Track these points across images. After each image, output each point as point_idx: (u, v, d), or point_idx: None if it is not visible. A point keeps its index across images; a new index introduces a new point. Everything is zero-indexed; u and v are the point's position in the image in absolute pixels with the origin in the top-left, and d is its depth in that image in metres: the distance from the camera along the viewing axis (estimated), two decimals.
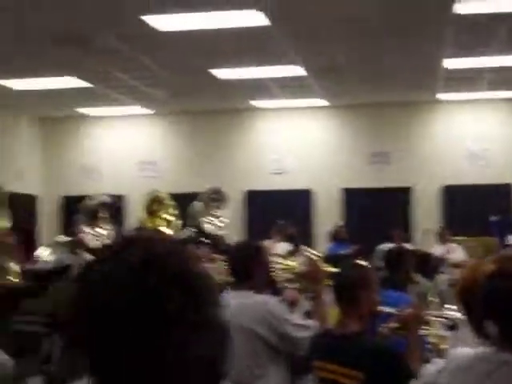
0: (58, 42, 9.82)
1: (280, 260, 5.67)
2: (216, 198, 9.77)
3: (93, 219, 9.10)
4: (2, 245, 7.67)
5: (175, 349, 1.28)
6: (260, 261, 4.48)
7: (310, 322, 4.37)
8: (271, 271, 4.81)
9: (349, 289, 3.90)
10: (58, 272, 8.31)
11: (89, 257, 10.11)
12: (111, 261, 1.34)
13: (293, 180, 15.41)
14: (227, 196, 10.03)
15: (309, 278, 4.68)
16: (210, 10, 8.78)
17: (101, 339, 1.29)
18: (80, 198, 14.16)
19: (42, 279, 8.08)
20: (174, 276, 1.31)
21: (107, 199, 9.41)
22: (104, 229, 9.19)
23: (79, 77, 12.16)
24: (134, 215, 9.83)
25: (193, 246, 7.38)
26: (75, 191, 15.81)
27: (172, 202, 9.93)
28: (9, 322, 6.93)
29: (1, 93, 13.26)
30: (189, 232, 9.39)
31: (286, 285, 5.29)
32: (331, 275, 4.42)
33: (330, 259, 6.64)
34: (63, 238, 10.59)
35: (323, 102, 14.94)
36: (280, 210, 14.11)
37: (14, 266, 7.71)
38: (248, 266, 4.41)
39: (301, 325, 4.29)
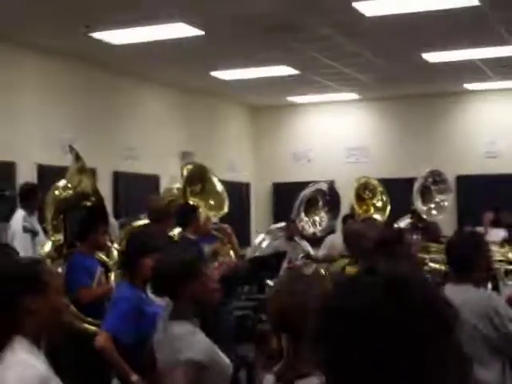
0: (271, 30, 9.99)
1: (496, 249, 5.46)
2: (436, 182, 9.56)
3: (309, 206, 9.19)
4: (219, 231, 7.93)
5: (419, 375, 1.27)
6: (482, 252, 4.29)
7: None
8: (491, 263, 4.62)
9: None
10: (274, 258, 8.48)
11: (305, 244, 10.27)
12: (361, 281, 1.36)
13: (507, 163, 14.83)
14: (448, 179, 9.78)
15: None
16: None
17: (345, 350, 1.30)
18: (290, 185, 14.51)
19: (257, 266, 8.27)
20: (424, 303, 1.30)
21: (324, 186, 9.46)
22: (319, 216, 9.26)
23: (289, 65, 12.34)
24: (343, 201, 9.82)
25: (407, 233, 7.27)
26: (285, 178, 16.13)
27: (381, 188, 9.86)
28: (227, 309, 7.13)
29: (213, 83, 13.72)
30: (405, 218, 9.30)
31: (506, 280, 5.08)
32: None
33: None
34: (279, 225, 10.80)
35: None
36: (493, 195, 13.65)
37: (230, 253, 7.94)
38: (469, 258, 4.21)
39: None
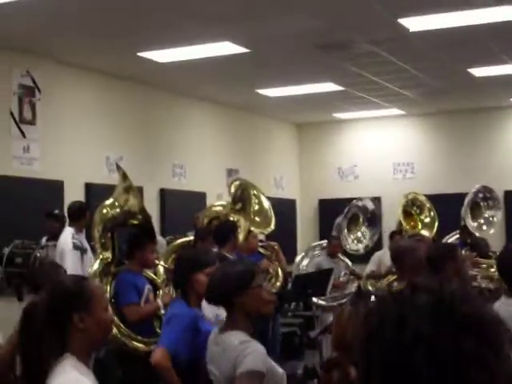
0: (316, 48, 10.02)
1: None
2: (486, 197, 9.50)
3: (352, 223, 9.17)
4: (266, 249, 7.94)
5: None
6: None
7: None
8: None
9: None
10: (321, 276, 8.46)
11: (347, 261, 10.22)
12: (401, 304, 1.34)
13: None
14: (498, 195, 9.71)
15: None
16: (462, 9, 8.58)
17: (390, 375, 1.29)
18: (336, 201, 14.46)
19: (304, 283, 8.26)
20: (467, 321, 1.28)
21: (367, 203, 9.44)
22: (361, 231, 9.24)
23: (334, 82, 12.34)
24: (390, 217, 9.79)
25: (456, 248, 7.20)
26: (331, 194, 16.07)
27: (429, 204, 9.80)
28: (275, 324, 7.14)
29: (259, 101, 13.77)
30: (453, 235, 9.24)
31: None
32: None
33: None
34: (321, 242, 10.77)
35: None
36: None
37: (279, 270, 7.96)
38: None
39: None
